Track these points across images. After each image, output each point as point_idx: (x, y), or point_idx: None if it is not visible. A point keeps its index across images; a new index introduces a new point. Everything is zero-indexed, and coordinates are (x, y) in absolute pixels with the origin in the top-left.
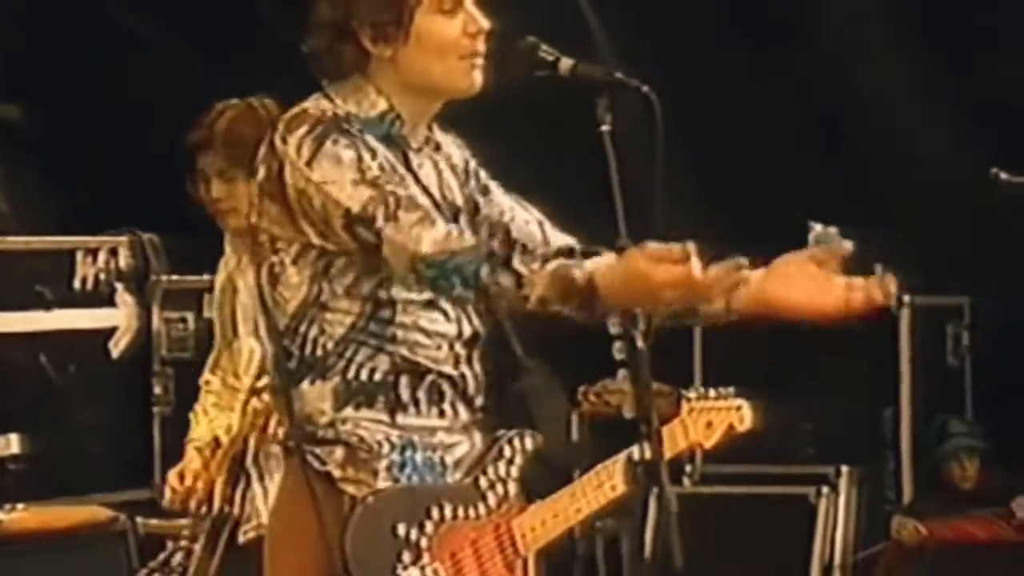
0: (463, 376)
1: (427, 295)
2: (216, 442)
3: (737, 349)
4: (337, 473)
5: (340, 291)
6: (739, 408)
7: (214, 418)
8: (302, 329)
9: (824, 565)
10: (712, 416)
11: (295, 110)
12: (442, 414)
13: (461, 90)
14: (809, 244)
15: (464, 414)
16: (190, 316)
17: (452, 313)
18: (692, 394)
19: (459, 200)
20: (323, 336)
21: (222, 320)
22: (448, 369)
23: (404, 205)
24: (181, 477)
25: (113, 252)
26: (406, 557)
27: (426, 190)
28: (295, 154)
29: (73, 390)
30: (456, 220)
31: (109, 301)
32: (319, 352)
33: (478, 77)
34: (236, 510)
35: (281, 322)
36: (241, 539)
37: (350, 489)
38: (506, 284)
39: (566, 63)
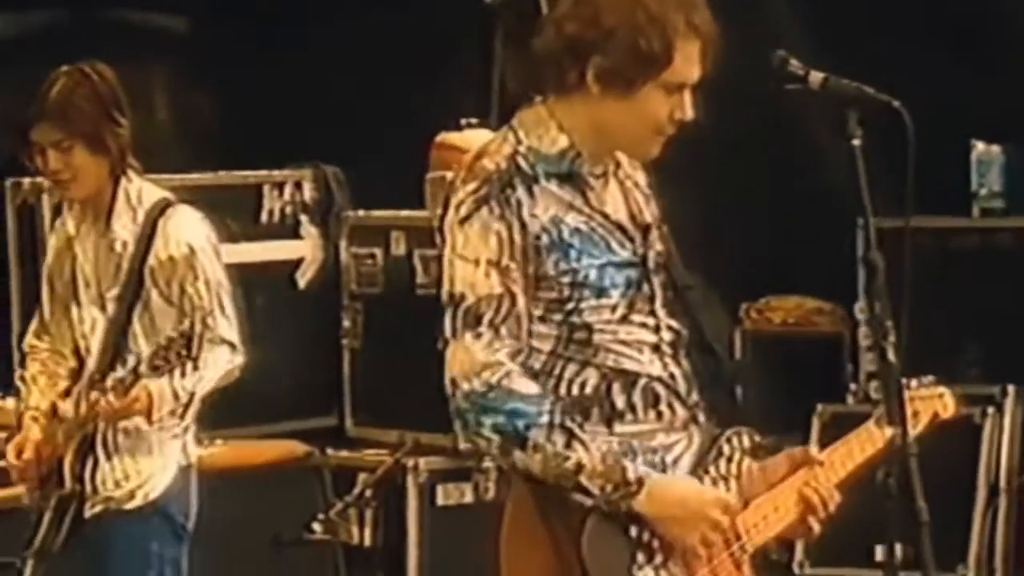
0: (672, 376)
1: (619, 313)
2: (54, 409)
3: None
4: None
5: (535, 318)
6: (942, 396)
7: (44, 387)
8: None
9: (990, 486)
10: (917, 406)
11: (479, 153)
12: (660, 416)
13: (639, 158)
14: (972, 164)
15: (681, 412)
16: (378, 252)
17: (649, 322)
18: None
19: (648, 218)
20: (530, 359)
21: (60, 285)
22: (657, 371)
23: (512, 318)
24: (20, 451)
25: (298, 185)
26: (640, 558)
27: (608, 217)
28: (455, 210)
29: (262, 321)
30: (646, 238)
31: (295, 233)
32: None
33: (658, 151)
34: (85, 487)
35: None
36: (87, 513)
37: (578, 498)
38: (551, 448)
39: (816, 77)
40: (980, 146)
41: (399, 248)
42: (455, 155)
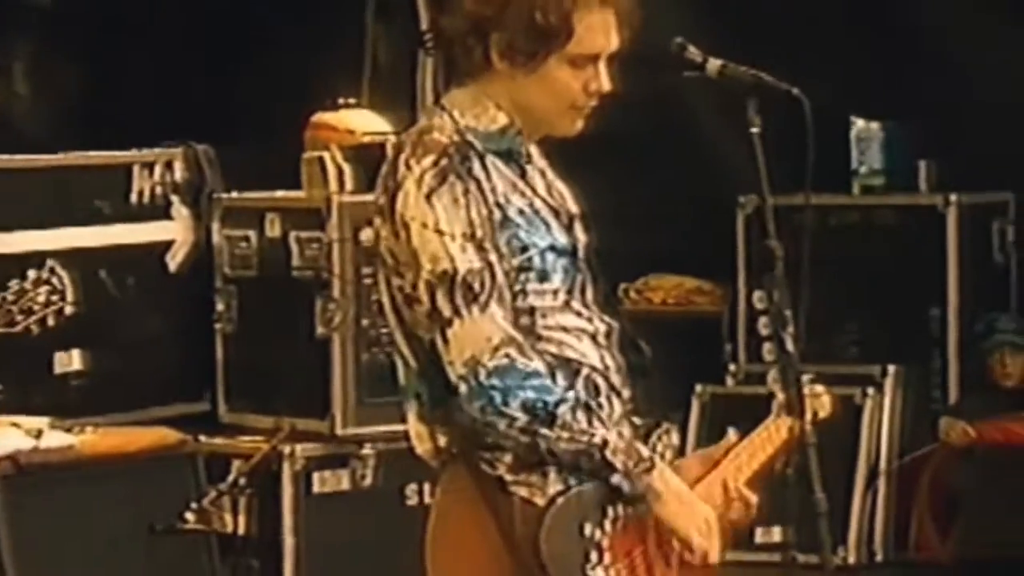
0: (608, 368)
1: (561, 300)
2: None
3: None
4: (508, 477)
5: None
6: (819, 395)
7: None
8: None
9: (870, 467)
10: (790, 423)
11: (422, 130)
12: (599, 408)
13: (560, 133)
14: (851, 141)
15: (617, 405)
16: (252, 234)
17: (584, 312)
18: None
19: (573, 208)
20: None
21: None
22: (596, 362)
23: (499, 292)
24: None
25: (168, 165)
26: (593, 557)
27: (545, 201)
28: (415, 185)
29: (133, 305)
30: (571, 228)
31: (166, 214)
32: None
33: (580, 125)
34: None
35: (425, 338)
36: None
37: (522, 492)
38: (577, 425)
39: (714, 64)
40: (859, 123)
41: (274, 230)
42: (331, 134)
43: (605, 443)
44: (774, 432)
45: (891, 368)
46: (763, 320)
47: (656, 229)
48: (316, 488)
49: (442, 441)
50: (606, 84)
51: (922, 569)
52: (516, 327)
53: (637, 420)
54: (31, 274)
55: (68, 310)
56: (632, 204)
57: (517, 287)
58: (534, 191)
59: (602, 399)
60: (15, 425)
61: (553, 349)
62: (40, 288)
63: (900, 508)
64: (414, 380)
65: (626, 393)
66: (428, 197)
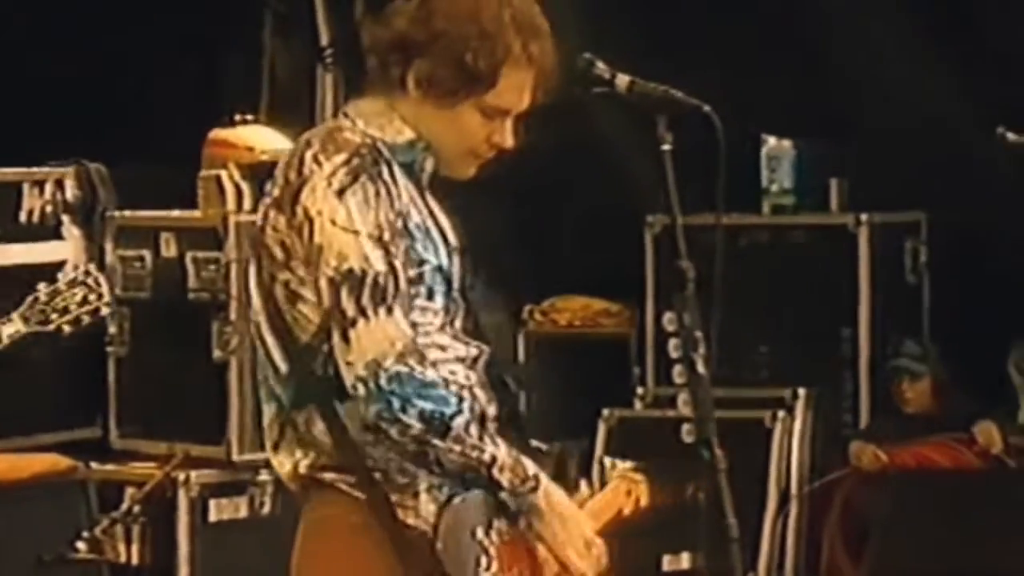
0: (474, 392)
1: (440, 320)
2: None
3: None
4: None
5: None
6: (641, 483)
7: None
8: (325, 348)
9: (780, 492)
10: (631, 486)
11: (331, 128)
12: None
13: (451, 173)
14: (762, 159)
15: (487, 426)
16: (147, 254)
17: (458, 339)
18: (608, 463)
19: (452, 240)
20: None
21: None
22: (463, 381)
23: (401, 298)
24: None
25: (59, 183)
26: (483, 561)
27: (437, 222)
28: (325, 181)
29: None
30: (451, 258)
31: (56, 234)
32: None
33: (472, 172)
34: None
35: (302, 339)
36: None
37: (398, 514)
38: (469, 440)
39: (623, 80)
40: (771, 141)
41: (169, 250)
42: (228, 152)
43: (493, 460)
44: (611, 498)
45: (802, 391)
46: (673, 342)
47: (562, 249)
48: (213, 516)
49: (303, 466)
50: (509, 141)
51: None
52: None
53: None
54: None
55: None
56: (537, 224)
57: (408, 299)
58: (430, 210)
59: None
60: None
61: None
62: None
63: (811, 533)
64: (281, 385)
65: (491, 413)
66: (339, 194)
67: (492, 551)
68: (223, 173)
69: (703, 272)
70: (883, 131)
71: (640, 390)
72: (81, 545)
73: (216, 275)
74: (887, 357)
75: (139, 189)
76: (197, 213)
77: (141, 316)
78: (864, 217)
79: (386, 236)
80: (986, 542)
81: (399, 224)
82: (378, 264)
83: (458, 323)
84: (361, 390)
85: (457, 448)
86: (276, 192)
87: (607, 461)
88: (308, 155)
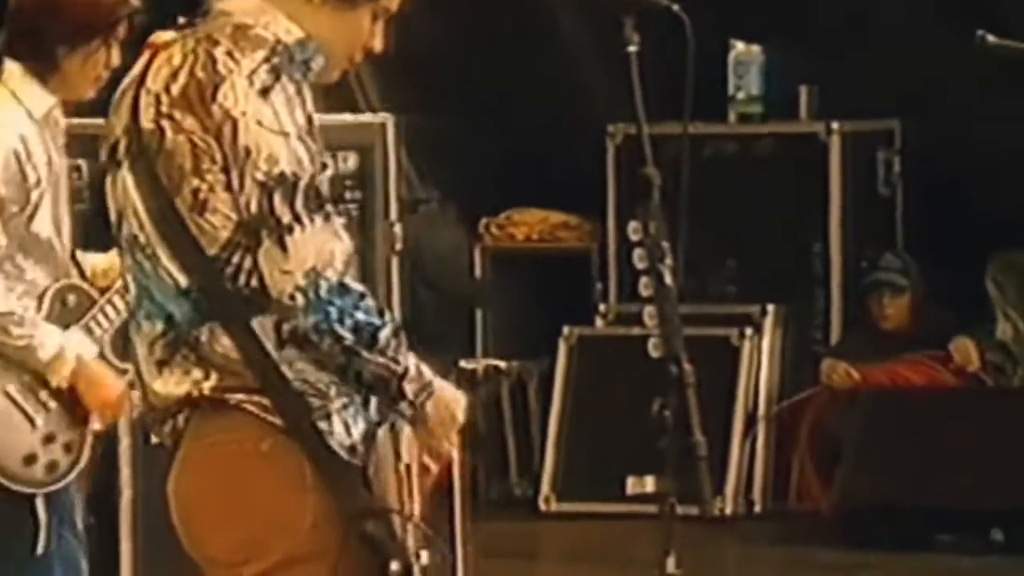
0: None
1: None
2: None
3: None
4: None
5: None
6: (457, 399)
7: None
8: (235, 260)
9: (748, 413)
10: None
11: (235, 25)
12: None
13: (325, 78)
14: (729, 65)
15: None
16: (84, 164)
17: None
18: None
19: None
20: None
21: None
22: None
23: (329, 201)
24: None
25: None
26: (405, 487)
27: (313, 125)
28: (246, 80)
29: None
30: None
31: None
32: (255, 282)
33: (336, 77)
34: None
35: (210, 250)
36: None
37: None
38: (391, 352)
39: None
40: (739, 46)
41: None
42: None
43: (406, 371)
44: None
45: (770, 307)
46: (638, 252)
47: (518, 159)
48: (155, 438)
49: (207, 386)
50: (380, 44)
51: (803, 519)
52: None
53: None
54: None
55: None
56: (492, 133)
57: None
58: (311, 112)
59: None
60: None
61: None
62: None
63: (780, 455)
64: (170, 302)
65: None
66: (263, 94)
67: (413, 470)
68: None
69: (668, 183)
70: (855, 36)
71: (602, 307)
72: None
73: None
74: (864, 271)
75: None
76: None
77: (82, 229)
78: (835, 126)
79: (307, 139)
80: (962, 463)
81: (312, 124)
82: (309, 167)
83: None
84: (300, 300)
85: (380, 360)
86: (176, 91)
87: None
88: (219, 52)
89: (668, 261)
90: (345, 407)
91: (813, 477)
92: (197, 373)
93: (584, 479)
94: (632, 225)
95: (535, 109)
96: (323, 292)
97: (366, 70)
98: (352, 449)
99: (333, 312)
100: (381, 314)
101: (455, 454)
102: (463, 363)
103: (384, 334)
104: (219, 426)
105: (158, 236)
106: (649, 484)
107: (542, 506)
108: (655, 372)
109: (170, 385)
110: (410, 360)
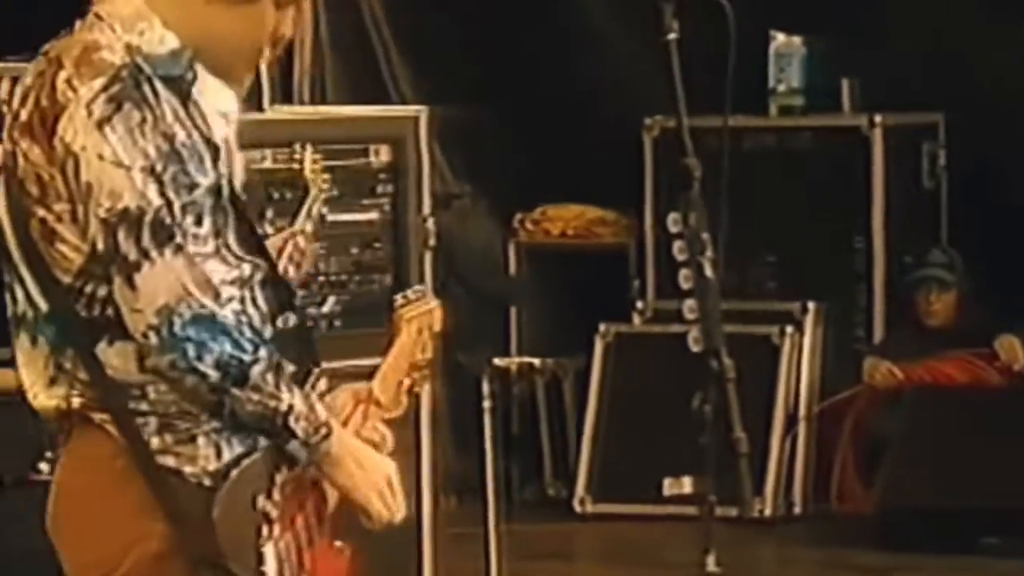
0: (251, 316)
1: (211, 245)
2: None
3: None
4: (155, 443)
5: None
6: (432, 310)
7: None
8: (88, 289)
9: (788, 412)
10: (420, 322)
11: (84, 45)
12: None
13: (231, 77)
14: (769, 57)
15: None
16: None
17: (229, 257)
18: (399, 301)
19: (216, 138)
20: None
21: None
22: (237, 306)
23: (183, 233)
24: None
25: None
26: (264, 531)
27: (201, 132)
28: (84, 110)
29: None
30: (215, 162)
31: None
32: (110, 312)
33: (252, 76)
34: None
35: (64, 280)
36: None
37: (169, 461)
38: (267, 388)
39: None
40: (779, 38)
41: None
42: None
43: (290, 409)
44: (400, 353)
45: (811, 304)
46: (678, 244)
47: (553, 153)
48: None
49: (75, 401)
50: (290, 29)
51: (844, 521)
52: None
53: (290, 367)
54: None
55: None
56: (526, 127)
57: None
58: (193, 121)
59: None
60: None
61: None
62: None
63: (820, 456)
64: (42, 324)
65: (267, 333)
66: (101, 125)
67: (274, 514)
68: None
69: (708, 177)
70: (898, 27)
71: (639, 304)
72: (43, 466)
73: None
74: (908, 267)
75: None
76: None
77: None
78: (878, 119)
79: (158, 167)
80: (1007, 463)
81: (166, 148)
82: (155, 199)
83: (231, 237)
84: (153, 339)
85: (255, 397)
86: (24, 116)
87: (398, 300)
88: (60, 79)
89: (709, 253)
90: (219, 430)
91: (855, 478)
92: (71, 390)
93: (620, 480)
94: (672, 216)
95: (570, 102)
96: (177, 329)
97: (398, 61)
98: (217, 475)
99: (190, 349)
100: (257, 347)
101: (398, 516)
102: (497, 361)
103: (256, 370)
104: (85, 442)
105: (20, 258)
106: (686, 485)
107: (577, 507)
108: (693, 370)
109: (44, 399)
110: (296, 397)
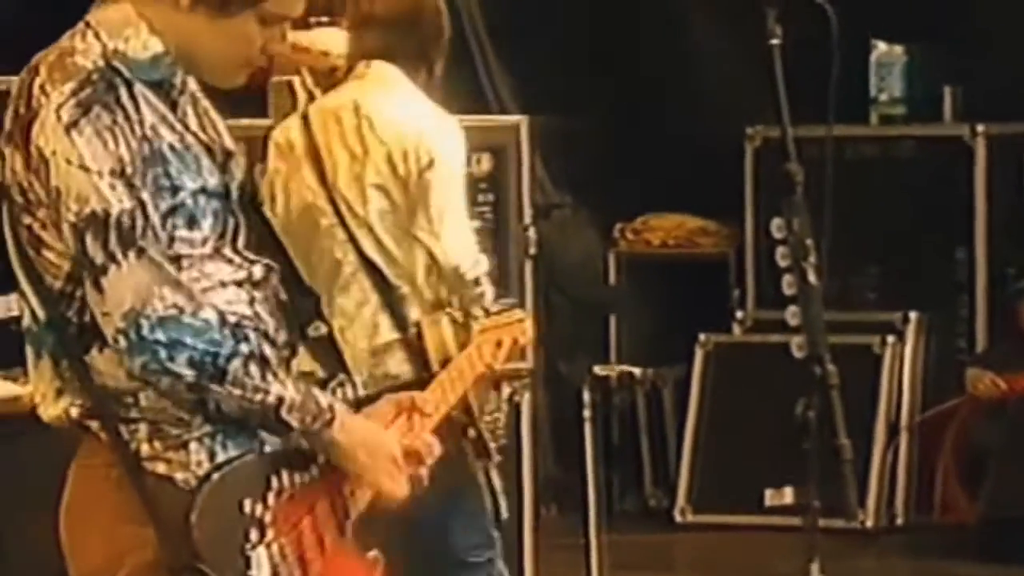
0: (258, 315)
1: (209, 248)
2: None
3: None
4: (145, 450)
5: None
6: (522, 321)
7: None
8: (79, 294)
9: (890, 423)
10: (501, 334)
11: (60, 51)
12: None
13: (218, 83)
14: (871, 66)
15: (271, 355)
16: None
17: (236, 259)
18: (480, 314)
19: (229, 143)
20: None
21: None
22: (243, 310)
23: (154, 235)
24: None
25: None
26: (253, 535)
27: (197, 136)
28: (54, 115)
29: None
30: (225, 167)
31: None
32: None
33: (242, 80)
34: None
35: (55, 286)
36: None
37: (160, 468)
38: (250, 382)
39: None
40: (881, 47)
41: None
42: (302, 56)
43: (280, 400)
44: (459, 375)
45: (913, 315)
46: (781, 250)
47: (654, 163)
48: None
49: (74, 411)
50: (282, 47)
51: (947, 532)
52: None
53: (320, 373)
54: None
55: None
56: (627, 137)
57: (164, 232)
58: (185, 126)
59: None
60: None
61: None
62: None
63: (923, 467)
64: (42, 332)
65: (282, 338)
66: (69, 130)
67: (267, 518)
68: (295, 79)
69: (810, 186)
70: (1000, 36)
71: (739, 313)
72: None
73: None
74: (1010, 277)
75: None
76: (269, 122)
77: None
78: (981, 128)
79: (128, 170)
80: None
81: (145, 151)
82: (123, 202)
83: (241, 240)
84: (122, 342)
85: (237, 392)
86: (8, 125)
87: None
88: (36, 85)
89: (812, 259)
90: (213, 435)
91: (957, 489)
92: (71, 399)
93: (720, 490)
94: (775, 222)
95: (672, 111)
96: (145, 332)
97: (498, 70)
98: (201, 479)
99: (161, 351)
100: (237, 343)
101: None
102: (597, 370)
103: (234, 364)
104: (85, 451)
105: (20, 269)
106: (788, 496)
107: (677, 517)
108: (794, 379)
109: (52, 410)
110: (288, 388)
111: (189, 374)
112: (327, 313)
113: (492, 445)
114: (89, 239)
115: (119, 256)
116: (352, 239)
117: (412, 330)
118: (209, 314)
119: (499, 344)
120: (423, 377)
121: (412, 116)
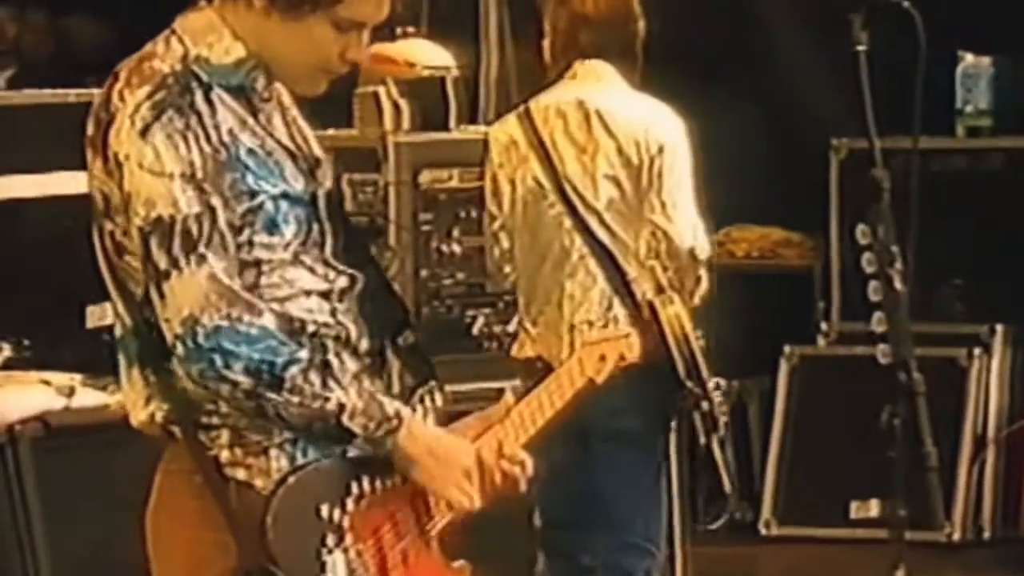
0: (340, 324)
1: (291, 253)
2: None
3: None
4: (225, 456)
5: None
6: (628, 336)
7: None
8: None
9: (977, 436)
10: (605, 349)
11: (141, 57)
12: (327, 366)
13: (298, 90)
14: (957, 78)
15: (351, 363)
16: None
17: (319, 268)
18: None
19: (317, 151)
20: None
21: None
22: (325, 319)
23: (220, 241)
24: None
25: None
26: (330, 540)
27: (280, 142)
28: (129, 119)
29: None
30: (312, 174)
31: None
32: None
33: (322, 88)
34: None
35: (137, 292)
36: None
37: (240, 474)
38: (309, 388)
39: None
40: (968, 58)
41: None
42: (388, 67)
43: (342, 407)
44: (558, 388)
45: (999, 327)
46: (867, 256)
47: (738, 175)
48: None
49: (159, 415)
50: (364, 55)
51: None
52: (240, 281)
53: (408, 380)
54: None
55: None
56: (711, 147)
57: (241, 238)
58: (267, 131)
59: (329, 356)
60: (45, 382)
61: (275, 307)
62: None
63: (1010, 480)
64: (128, 338)
65: (364, 346)
66: (143, 133)
67: (346, 523)
68: (381, 90)
69: (896, 197)
70: None
71: (824, 326)
72: None
73: (374, 198)
74: None
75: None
76: (354, 132)
77: None
78: None
79: (199, 174)
80: None
81: (222, 156)
82: (190, 207)
83: (328, 249)
84: (180, 349)
85: (296, 399)
86: (91, 131)
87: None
88: (115, 90)
89: (898, 266)
90: (294, 441)
91: None
92: (158, 404)
93: (806, 502)
94: (860, 228)
95: (756, 123)
96: (200, 339)
97: None
98: (278, 483)
99: (217, 359)
100: (295, 351)
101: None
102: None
103: (291, 372)
104: (169, 456)
105: (108, 277)
106: (873, 508)
107: (762, 530)
108: (879, 390)
109: (142, 415)
110: (350, 394)
111: (246, 381)
112: (553, 299)
113: (722, 419)
114: (154, 244)
115: (182, 262)
116: (582, 226)
117: (645, 309)
118: (267, 321)
119: (603, 358)
120: (526, 386)
121: (635, 108)
